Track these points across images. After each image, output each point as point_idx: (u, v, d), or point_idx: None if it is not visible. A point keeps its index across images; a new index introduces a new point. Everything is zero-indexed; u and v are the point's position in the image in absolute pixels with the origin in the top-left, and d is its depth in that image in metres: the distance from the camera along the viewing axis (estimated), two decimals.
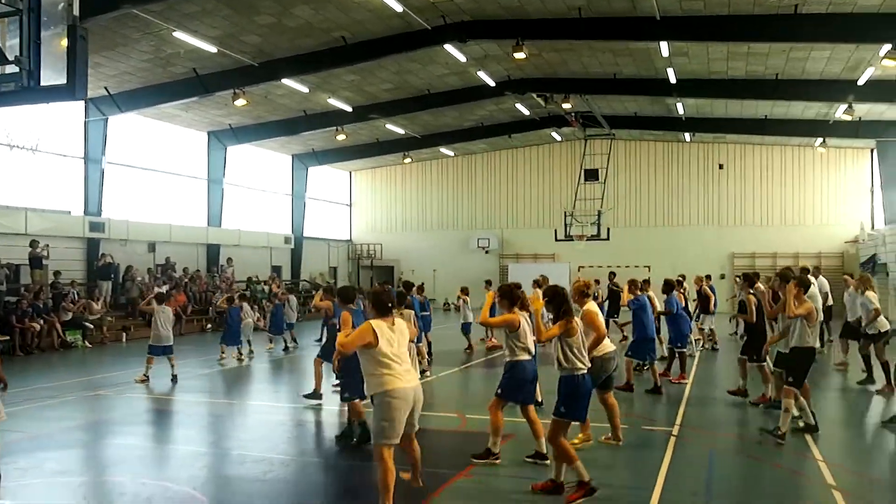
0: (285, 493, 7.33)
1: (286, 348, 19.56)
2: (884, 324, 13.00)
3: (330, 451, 9.11)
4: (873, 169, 33.08)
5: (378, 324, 6.28)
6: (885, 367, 12.79)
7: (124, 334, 22.85)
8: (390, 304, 6.53)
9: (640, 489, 6.84)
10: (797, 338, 9.23)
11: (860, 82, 22.69)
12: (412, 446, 6.70)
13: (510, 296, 8.14)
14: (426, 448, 6.96)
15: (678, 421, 10.26)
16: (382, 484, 6.20)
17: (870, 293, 13.23)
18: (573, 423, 7.13)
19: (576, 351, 6.95)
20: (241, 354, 17.37)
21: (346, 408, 9.27)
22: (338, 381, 10.64)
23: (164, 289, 22.95)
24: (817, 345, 9.47)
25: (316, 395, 11.66)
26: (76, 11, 5.89)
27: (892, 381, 12.43)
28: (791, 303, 9.37)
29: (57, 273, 22.36)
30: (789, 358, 9.46)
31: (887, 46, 18.39)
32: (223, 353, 17.21)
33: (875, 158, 32.30)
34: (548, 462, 7.73)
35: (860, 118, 27.75)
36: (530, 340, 8.05)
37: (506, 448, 8.33)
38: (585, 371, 6.98)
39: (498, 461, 7.90)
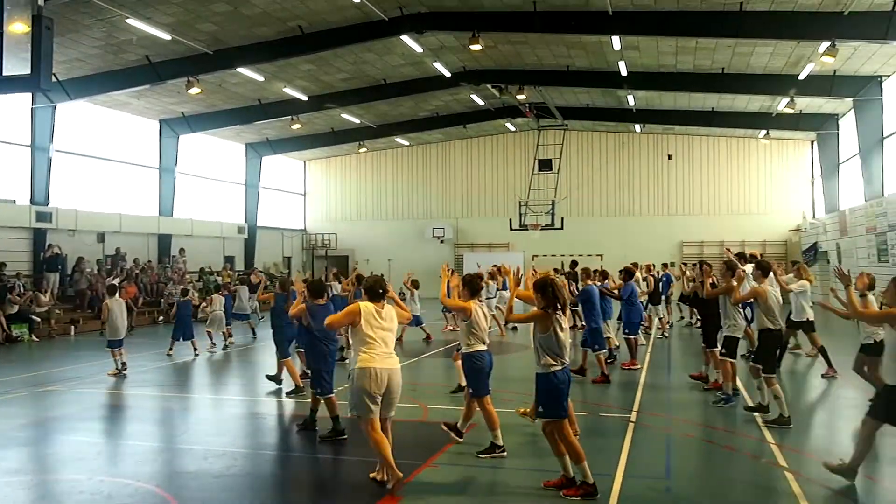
0: (250, 486, 7.32)
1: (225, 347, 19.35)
2: (810, 313, 13.50)
3: (292, 444, 9.14)
4: (814, 160, 34.08)
5: (366, 306, 6.95)
6: (823, 352, 13.29)
7: (72, 327, 22.49)
8: (381, 291, 7.12)
9: (602, 475, 6.99)
10: (757, 322, 9.74)
11: (801, 77, 23.56)
12: (385, 435, 7.04)
13: (472, 285, 8.31)
14: (390, 439, 7.05)
15: (635, 407, 10.56)
16: (377, 452, 6.77)
17: (802, 281, 13.72)
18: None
19: (552, 347, 6.75)
20: (196, 349, 17.03)
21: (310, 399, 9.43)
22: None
23: (116, 281, 22.55)
24: (779, 326, 9.78)
25: (297, 390, 11.78)
26: (41, 1, 5.79)
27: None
28: (737, 290, 9.72)
29: (2, 265, 21.81)
30: (757, 344, 9.87)
31: (826, 43, 19.19)
32: (171, 347, 16.99)
33: (815, 150, 33.29)
34: (505, 454, 7.93)
35: (801, 111, 28.80)
36: (486, 330, 8.23)
37: (469, 437, 8.48)
38: (560, 367, 6.75)
39: (504, 454, 7.94)
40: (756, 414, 9.74)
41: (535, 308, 6.99)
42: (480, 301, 8.45)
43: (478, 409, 8.24)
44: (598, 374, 12.74)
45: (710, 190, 36.40)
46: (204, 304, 18.53)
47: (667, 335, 19.35)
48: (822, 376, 13.09)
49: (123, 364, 14.21)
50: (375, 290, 7.12)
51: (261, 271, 26.60)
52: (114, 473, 7.78)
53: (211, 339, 17.90)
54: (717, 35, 20.47)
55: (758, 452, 8.27)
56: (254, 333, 20.32)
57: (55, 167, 24.74)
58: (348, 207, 41.51)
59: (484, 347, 8.18)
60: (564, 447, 6.74)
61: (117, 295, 14.93)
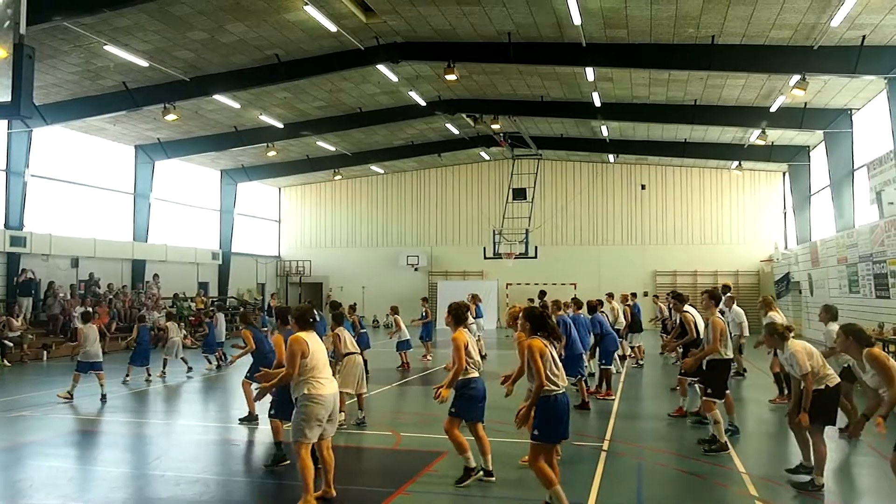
0: None
1: (219, 367, 19.41)
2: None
3: (264, 471, 9.09)
4: (785, 191, 34.62)
5: (307, 335, 7.10)
6: None
7: (45, 352, 22.27)
8: (312, 320, 7.32)
9: None
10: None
11: (772, 109, 24.00)
12: (327, 451, 7.29)
13: (458, 315, 8.33)
14: (362, 467, 7.08)
15: (608, 436, 10.60)
16: (302, 477, 6.84)
17: (772, 313, 13.81)
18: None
19: (548, 372, 6.63)
20: (149, 375, 17.09)
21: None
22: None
23: (88, 309, 22.32)
24: (730, 355, 10.00)
25: (252, 417, 11.62)
26: (23, 30, 5.80)
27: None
28: (717, 339, 9.79)
29: None
30: (706, 371, 10.01)
31: (796, 77, 19.60)
32: (128, 373, 16.94)
33: (787, 181, 33.84)
34: (493, 479, 7.92)
35: (772, 143, 29.21)
36: (478, 356, 8.25)
37: (442, 465, 8.50)
38: (560, 391, 6.66)
39: (480, 474, 7.92)
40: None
41: (521, 339, 6.96)
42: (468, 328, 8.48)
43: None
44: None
45: (683, 220, 36.77)
46: (162, 332, 18.49)
47: (641, 363, 19.47)
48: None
49: (104, 395, 14.07)
50: (306, 318, 7.29)
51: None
52: (86, 500, 7.72)
53: (163, 367, 17.87)
54: (689, 68, 20.83)
55: (728, 482, 8.34)
56: (224, 359, 19.99)
57: (30, 191, 24.60)
58: (323, 234, 41.51)
59: (478, 374, 8.19)
60: (537, 474, 6.61)
61: (91, 322, 14.97)
